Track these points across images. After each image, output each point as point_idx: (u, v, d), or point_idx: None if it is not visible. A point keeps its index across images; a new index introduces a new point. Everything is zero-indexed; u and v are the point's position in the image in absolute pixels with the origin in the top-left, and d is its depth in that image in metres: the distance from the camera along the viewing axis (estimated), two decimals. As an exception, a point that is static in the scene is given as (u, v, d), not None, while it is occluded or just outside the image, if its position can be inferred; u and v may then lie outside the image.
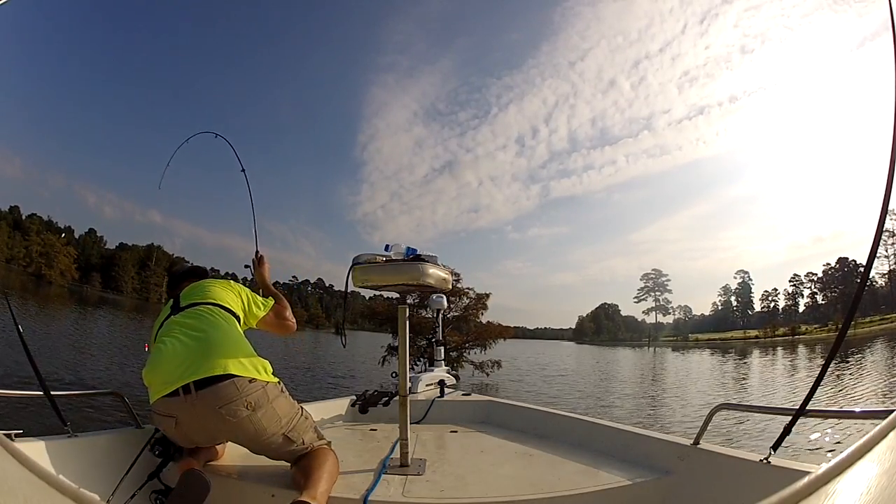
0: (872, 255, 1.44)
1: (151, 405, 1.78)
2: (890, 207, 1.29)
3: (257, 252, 2.60)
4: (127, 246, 69.84)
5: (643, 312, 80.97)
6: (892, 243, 51.93)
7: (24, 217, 59.89)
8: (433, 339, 3.94)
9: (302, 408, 1.93)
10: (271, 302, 2.28)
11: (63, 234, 61.83)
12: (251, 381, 1.74)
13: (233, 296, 2.11)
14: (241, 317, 2.08)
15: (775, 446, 1.60)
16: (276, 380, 1.87)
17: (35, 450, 1.62)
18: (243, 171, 3.04)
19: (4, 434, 1.41)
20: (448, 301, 4.10)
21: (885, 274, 52.99)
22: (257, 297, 2.25)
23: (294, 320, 2.35)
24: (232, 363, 1.74)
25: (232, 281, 2.23)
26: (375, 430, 2.66)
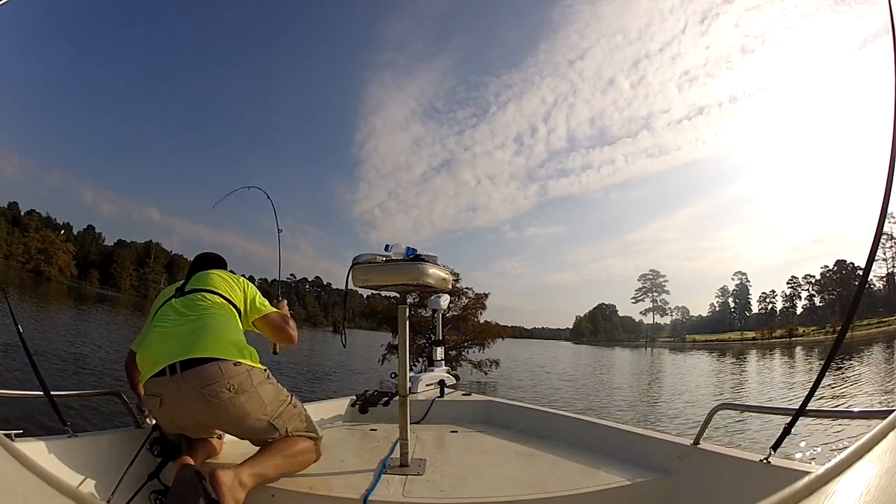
0: (871, 257, 1.44)
1: (143, 386, 1.83)
2: (889, 210, 1.30)
3: (279, 296, 2.52)
4: (125, 243, 69.96)
5: (640, 313, 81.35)
6: (891, 246, 52.06)
7: (22, 214, 59.83)
8: (432, 339, 3.93)
9: (292, 396, 1.93)
10: (274, 309, 2.23)
11: (62, 231, 61.75)
12: (235, 364, 1.76)
13: (237, 289, 2.12)
14: (242, 309, 2.09)
15: (775, 446, 1.61)
16: (263, 367, 1.88)
17: (35, 450, 1.62)
18: (280, 231, 2.98)
19: (4, 434, 1.41)
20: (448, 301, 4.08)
21: (882, 277, 53.16)
22: (264, 299, 2.21)
23: (296, 334, 2.26)
24: (217, 346, 1.78)
25: (242, 277, 2.22)
26: (375, 430, 2.66)
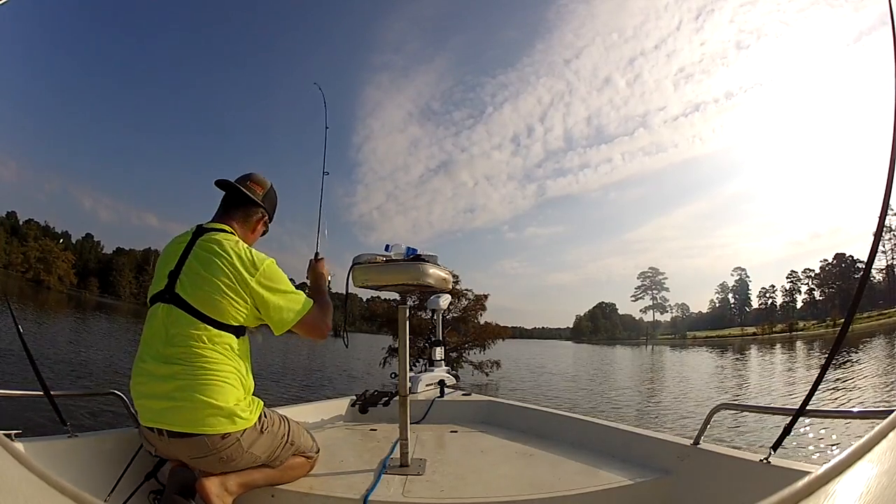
0: (874, 250, 1.44)
1: (140, 426, 1.73)
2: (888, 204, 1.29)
3: (317, 254, 2.31)
4: (124, 250, 69.91)
5: (640, 311, 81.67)
6: (890, 238, 52.13)
7: (21, 222, 59.83)
8: (432, 340, 3.92)
9: (289, 433, 1.79)
10: (308, 305, 1.83)
11: (61, 240, 61.74)
12: (224, 436, 1.60)
13: (244, 301, 1.70)
14: (248, 325, 1.75)
15: (775, 446, 1.60)
16: (256, 416, 1.69)
17: (35, 450, 1.62)
18: (327, 128, 2.91)
19: (4, 434, 1.41)
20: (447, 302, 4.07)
21: (882, 269, 53.22)
22: (295, 296, 1.81)
23: (330, 326, 1.92)
24: (203, 419, 1.58)
25: (267, 262, 1.76)
26: (375, 430, 2.66)
